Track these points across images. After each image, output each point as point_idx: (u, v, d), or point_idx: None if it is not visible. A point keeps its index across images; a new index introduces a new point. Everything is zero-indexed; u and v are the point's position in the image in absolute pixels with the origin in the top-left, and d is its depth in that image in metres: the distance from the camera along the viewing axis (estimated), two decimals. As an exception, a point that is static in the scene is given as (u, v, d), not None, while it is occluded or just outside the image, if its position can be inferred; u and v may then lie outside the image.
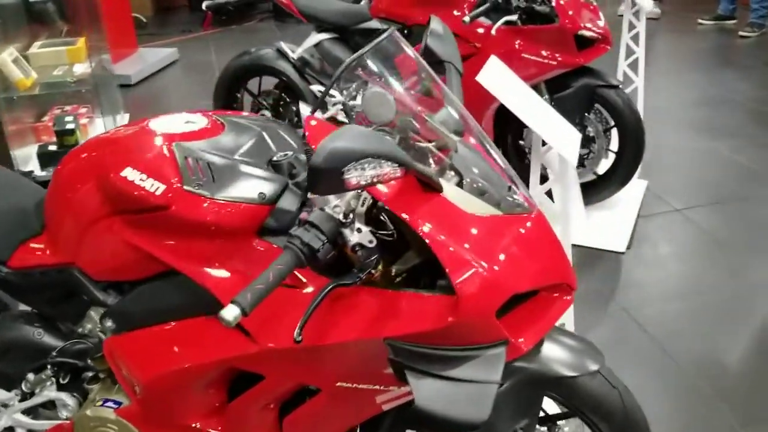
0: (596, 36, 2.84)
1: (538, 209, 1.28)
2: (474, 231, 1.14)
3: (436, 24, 1.57)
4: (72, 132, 3.60)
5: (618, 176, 3.06)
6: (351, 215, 1.13)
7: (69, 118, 3.71)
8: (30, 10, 4.07)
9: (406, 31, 3.06)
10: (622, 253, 2.89)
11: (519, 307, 1.19)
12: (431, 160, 1.28)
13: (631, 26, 3.31)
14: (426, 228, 1.10)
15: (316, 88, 3.34)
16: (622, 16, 3.38)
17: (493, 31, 2.79)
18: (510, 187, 1.28)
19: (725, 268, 2.77)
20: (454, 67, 1.51)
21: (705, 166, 3.62)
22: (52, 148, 3.64)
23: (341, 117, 3.00)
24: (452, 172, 1.26)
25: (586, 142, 3.05)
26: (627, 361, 2.30)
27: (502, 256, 1.13)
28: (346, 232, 1.13)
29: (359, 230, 1.13)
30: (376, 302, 1.14)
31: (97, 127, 4.17)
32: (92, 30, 4.58)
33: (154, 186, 1.21)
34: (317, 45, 3.28)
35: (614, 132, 3.02)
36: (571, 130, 1.92)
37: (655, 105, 4.39)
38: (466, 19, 2.68)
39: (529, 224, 1.22)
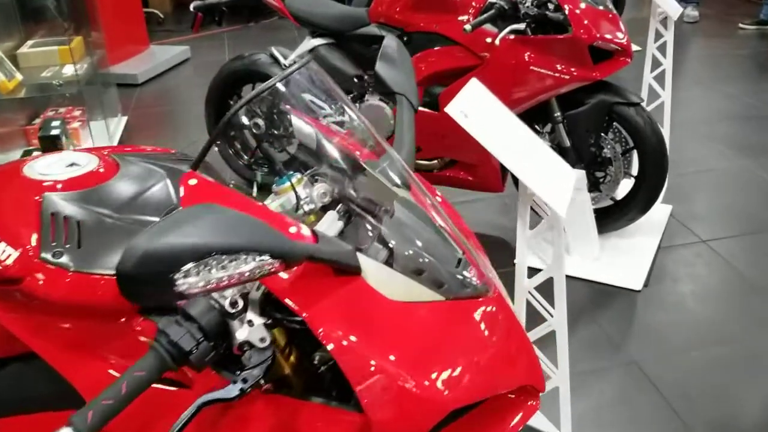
0: (615, 48, 2.54)
1: (498, 290, 1.01)
2: (397, 326, 0.88)
3: (389, 45, 1.30)
4: (56, 138, 3.40)
5: (638, 203, 2.75)
6: (241, 302, 0.88)
7: (56, 123, 3.51)
8: (24, 8, 3.89)
9: (405, 38, 2.79)
10: (638, 291, 2.58)
11: (467, 414, 0.93)
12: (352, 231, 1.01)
13: (659, 35, 2.99)
14: (327, 327, 0.84)
15: (308, 97, 3.09)
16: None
17: (496, 41, 2.51)
18: (460, 261, 1.01)
19: (754, 315, 2.45)
20: (406, 100, 1.24)
21: (737, 190, 3.28)
22: (37, 154, 3.45)
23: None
24: (380, 245, 0.99)
25: (602, 164, 2.74)
26: (634, 429, 2.00)
27: (435, 361, 0.87)
28: (234, 324, 0.87)
29: (250, 323, 0.87)
30: (270, 414, 0.89)
31: (91, 130, 3.99)
32: (92, 28, 4.41)
33: (6, 253, 0.97)
34: (312, 51, 3.03)
35: (634, 154, 2.72)
36: (567, 172, 1.63)
37: (685, 118, 4.05)
38: (468, 27, 2.40)
39: (481, 310, 0.97)
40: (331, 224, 1.03)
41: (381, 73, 1.27)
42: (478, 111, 1.52)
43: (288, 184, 1.12)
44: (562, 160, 1.65)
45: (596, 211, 2.80)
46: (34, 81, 3.66)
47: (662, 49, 3.01)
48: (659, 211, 3.02)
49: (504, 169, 2.86)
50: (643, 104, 2.65)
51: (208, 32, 6.24)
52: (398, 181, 1.09)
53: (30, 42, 3.92)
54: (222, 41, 6.21)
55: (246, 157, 3.43)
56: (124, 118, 4.23)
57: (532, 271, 1.82)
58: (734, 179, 3.38)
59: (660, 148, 2.64)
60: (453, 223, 1.09)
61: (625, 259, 2.75)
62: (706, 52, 5.47)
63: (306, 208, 1.10)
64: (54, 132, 3.44)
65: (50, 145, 3.43)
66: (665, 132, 3.13)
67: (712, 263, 2.75)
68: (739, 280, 2.64)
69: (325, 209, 1.12)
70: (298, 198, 1.09)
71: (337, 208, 1.11)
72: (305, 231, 0.90)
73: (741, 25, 5.78)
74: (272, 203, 1.11)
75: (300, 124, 3.23)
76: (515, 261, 1.75)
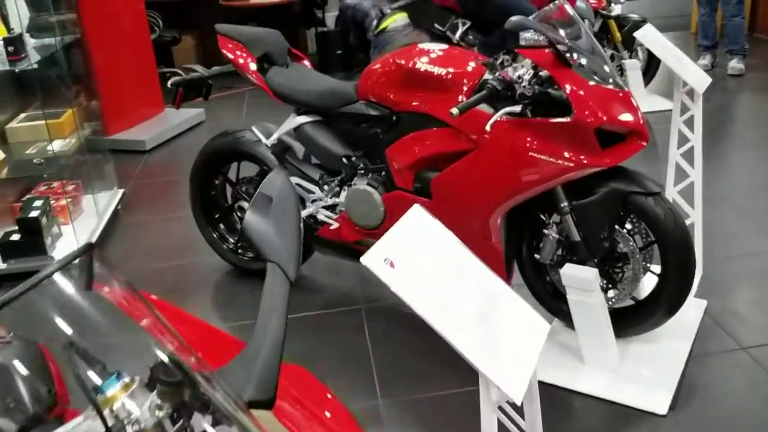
0: (626, 130, 2.20)
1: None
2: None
3: (270, 184, 0.99)
4: (34, 220, 3.20)
5: (662, 304, 2.36)
6: None
7: (38, 203, 3.33)
8: (17, 80, 3.76)
9: (394, 118, 2.50)
10: (663, 416, 2.18)
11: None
12: None
13: (685, 108, 2.63)
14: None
15: (294, 181, 2.82)
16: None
17: (487, 127, 2.19)
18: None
19: (805, 449, 2.03)
20: (280, 270, 0.93)
21: (787, 280, 2.86)
22: (16, 237, 3.26)
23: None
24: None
25: (619, 259, 2.38)
26: None
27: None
28: None
29: None
30: None
31: (84, 206, 3.80)
32: (92, 96, 4.27)
33: None
34: (297, 129, 2.76)
35: (655, 248, 2.34)
36: (537, 328, 1.29)
37: (727, 190, 3.63)
38: (454, 111, 2.10)
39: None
40: None
41: (250, 227, 0.96)
42: (412, 255, 1.20)
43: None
44: (531, 312, 1.31)
45: (616, 312, 2.42)
46: (19, 157, 3.50)
47: (690, 123, 2.64)
48: (692, 308, 2.61)
49: (509, 259, 2.52)
50: (663, 193, 2.28)
51: (225, 93, 6.09)
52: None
53: (22, 115, 3.78)
54: (240, 103, 6.05)
55: (232, 241, 3.17)
56: (120, 191, 4.04)
57: None
58: (783, 266, 2.96)
59: (685, 243, 2.26)
60: None
61: (649, 372, 2.35)
62: (750, 110, 5.04)
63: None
64: (34, 213, 3.25)
65: (29, 227, 3.24)
66: (696, 215, 2.75)
67: (755, 377, 2.33)
68: (787, 401, 2.22)
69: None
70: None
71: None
72: None
73: None
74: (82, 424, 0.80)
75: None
76: None
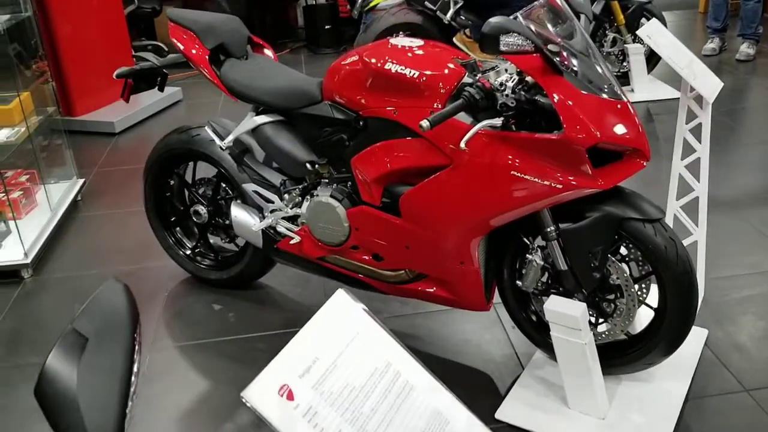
0: (624, 149, 1.90)
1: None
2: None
3: (94, 308, 0.71)
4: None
5: (658, 343, 2.09)
6: None
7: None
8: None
9: (361, 123, 2.20)
10: (653, 474, 1.93)
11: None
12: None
13: (691, 114, 2.33)
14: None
15: (252, 187, 2.53)
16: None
17: (462, 144, 1.89)
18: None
19: None
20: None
21: (798, 306, 2.58)
22: (-45, 236, 2.99)
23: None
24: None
25: (611, 291, 2.10)
26: None
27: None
28: None
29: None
30: None
31: (39, 198, 3.51)
32: (52, 77, 3.96)
33: None
34: (255, 130, 2.47)
35: (653, 280, 2.07)
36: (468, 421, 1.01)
37: (728, 197, 3.35)
38: (424, 124, 1.80)
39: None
40: None
41: (45, 384, 0.67)
42: (326, 379, 0.90)
43: None
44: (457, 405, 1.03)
45: (606, 347, 2.16)
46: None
47: (697, 132, 2.35)
48: (690, 339, 2.33)
49: (488, 282, 2.25)
50: (664, 218, 2.00)
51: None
52: None
53: (-30, 100, 3.47)
54: (221, 79, 5.72)
55: (189, 247, 2.89)
56: (80, 181, 3.74)
57: None
58: (794, 288, 2.68)
59: (687, 279, 1.98)
60: None
61: (641, 418, 2.09)
62: (763, 100, 4.72)
63: None
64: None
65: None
66: (700, 233, 2.46)
67: (758, 425, 2.07)
68: (795, 458, 1.96)
69: None
70: None
71: None
72: None
73: None
74: None
75: (242, 215, 2.63)
76: None
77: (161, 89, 2.78)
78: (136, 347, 0.65)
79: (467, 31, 4.71)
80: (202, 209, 2.74)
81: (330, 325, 0.92)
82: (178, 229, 2.90)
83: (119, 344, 0.66)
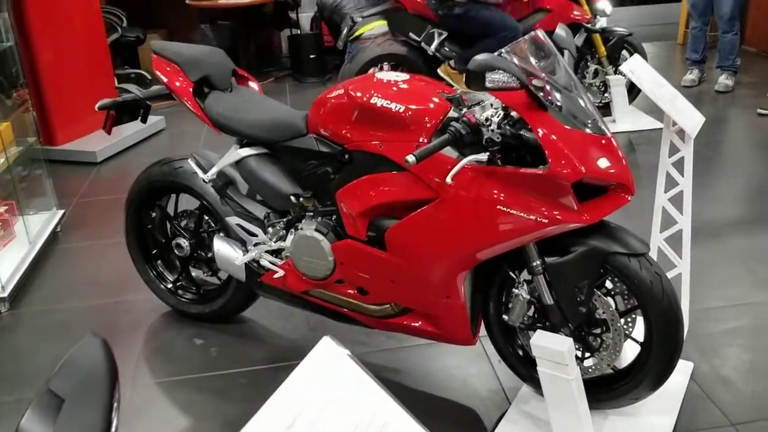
0: (609, 184, 1.91)
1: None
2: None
3: (70, 366, 0.68)
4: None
5: (645, 376, 2.08)
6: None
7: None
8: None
9: (346, 156, 2.19)
10: None
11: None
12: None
13: (674, 148, 2.35)
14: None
15: (235, 221, 2.50)
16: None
17: (448, 179, 1.89)
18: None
19: None
20: None
21: (781, 338, 2.59)
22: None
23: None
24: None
25: (597, 325, 2.09)
26: None
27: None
28: None
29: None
30: None
31: (18, 229, 3.46)
32: (33, 106, 3.93)
33: None
34: (239, 162, 2.45)
35: (638, 314, 2.06)
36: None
37: (711, 227, 3.37)
38: (410, 159, 1.80)
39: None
40: None
41: None
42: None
43: None
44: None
45: (592, 382, 2.14)
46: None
47: (679, 166, 2.36)
48: (677, 373, 2.32)
49: (474, 316, 2.23)
50: (648, 253, 2.00)
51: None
52: None
53: (-51, 130, 3.42)
54: (205, 108, 5.70)
55: (171, 280, 2.85)
56: (60, 212, 3.70)
57: None
58: (776, 319, 2.69)
59: (672, 314, 1.98)
60: None
61: (627, 454, 2.07)
62: (742, 130, 4.79)
63: None
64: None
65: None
66: (684, 265, 2.47)
67: (746, 462, 2.06)
68: (783, 495, 1.95)
69: None
70: None
71: None
72: None
73: (759, 110, 4.98)
74: None
75: (225, 248, 2.60)
76: None
77: (144, 121, 2.77)
78: (115, 405, 0.63)
79: (452, 62, 4.74)
80: (184, 242, 2.71)
81: (315, 375, 0.89)
82: (159, 262, 2.86)
83: (96, 405, 0.63)
